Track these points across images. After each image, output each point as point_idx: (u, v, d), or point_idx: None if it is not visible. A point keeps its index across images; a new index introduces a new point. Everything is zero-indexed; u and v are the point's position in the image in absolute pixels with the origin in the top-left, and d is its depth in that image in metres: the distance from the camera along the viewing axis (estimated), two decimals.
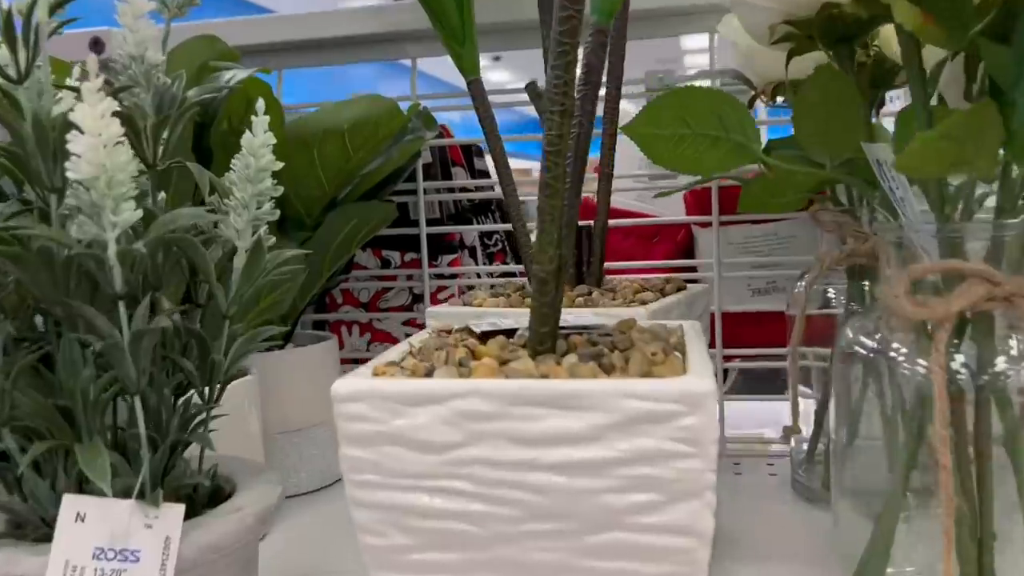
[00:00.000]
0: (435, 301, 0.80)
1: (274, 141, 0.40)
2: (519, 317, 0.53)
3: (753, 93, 0.62)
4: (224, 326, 0.40)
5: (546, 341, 0.38)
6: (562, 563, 0.34)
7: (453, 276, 0.80)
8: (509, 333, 0.43)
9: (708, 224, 0.74)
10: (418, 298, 0.80)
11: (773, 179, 0.45)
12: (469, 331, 0.45)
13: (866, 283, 0.60)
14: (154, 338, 0.34)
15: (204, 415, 0.39)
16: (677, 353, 0.38)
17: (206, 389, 0.40)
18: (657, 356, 0.37)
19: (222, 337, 0.40)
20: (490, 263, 0.90)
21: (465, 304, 0.57)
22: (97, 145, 0.31)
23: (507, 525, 0.34)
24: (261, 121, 0.40)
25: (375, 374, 0.37)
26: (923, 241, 0.40)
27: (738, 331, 0.75)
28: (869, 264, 0.58)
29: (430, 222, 0.79)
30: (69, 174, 0.31)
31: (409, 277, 0.80)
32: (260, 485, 0.41)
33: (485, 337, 0.43)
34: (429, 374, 0.36)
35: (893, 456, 0.40)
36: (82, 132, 0.31)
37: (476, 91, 0.59)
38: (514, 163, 0.76)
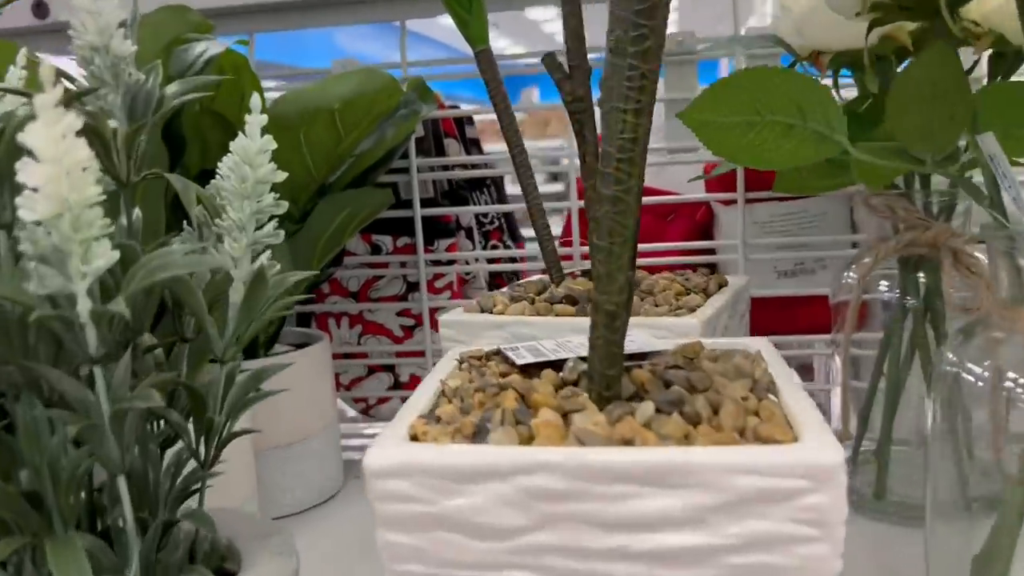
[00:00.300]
0: (432, 289, 0.73)
1: (275, 146, 0.32)
2: (551, 331, 0.47)
3: (794, 60, 0.55)
4: (220, 373, 0.33)
5: (614, 385, 0.32)
6: None
7: (451, 262, 0.73)
8: (556, 364, 0.37)
9: (732, 202, 0.68)
10: (413, 286, 0.73)
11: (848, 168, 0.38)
12: (506, 360, 0.38)
13: (921, 275, 0.54)
14: (141, 411, 0.27)
15: (201, 484, 0.32)
16: (770, 395, 0.32)
17: (201, 448, 0.33)
18: (749, 401, 0.31)
19: (218, 386, 0.33)
20: (486, 243, 0.83)
21: (483, 310, 0.50)
22: (58, 175, 0.23)
23: None
24: (257, 121, 0.32)
25: (412, 435, 0.31)
26: None
27: (761, 317, 0.69)
28: (929, 255, 0.53)
29: (424, 202, 0.72)
30: (22, 213, 0.24)
31: (403, 264, 0.73)
32: (271, 560, 0.34)
33: (526, 369, 0.37)
34: (478, 433, 0.30)
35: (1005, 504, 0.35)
36: (37, 160, 0.23)
37: (485, 62, 0.52)
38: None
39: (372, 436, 0.76)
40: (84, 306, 0.25)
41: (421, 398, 0.34)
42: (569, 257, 0.71)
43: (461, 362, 0.39)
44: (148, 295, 0.28)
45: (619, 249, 0.31)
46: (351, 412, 0.79)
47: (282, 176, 0.32)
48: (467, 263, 0.75)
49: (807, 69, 0.54)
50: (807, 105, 0.37)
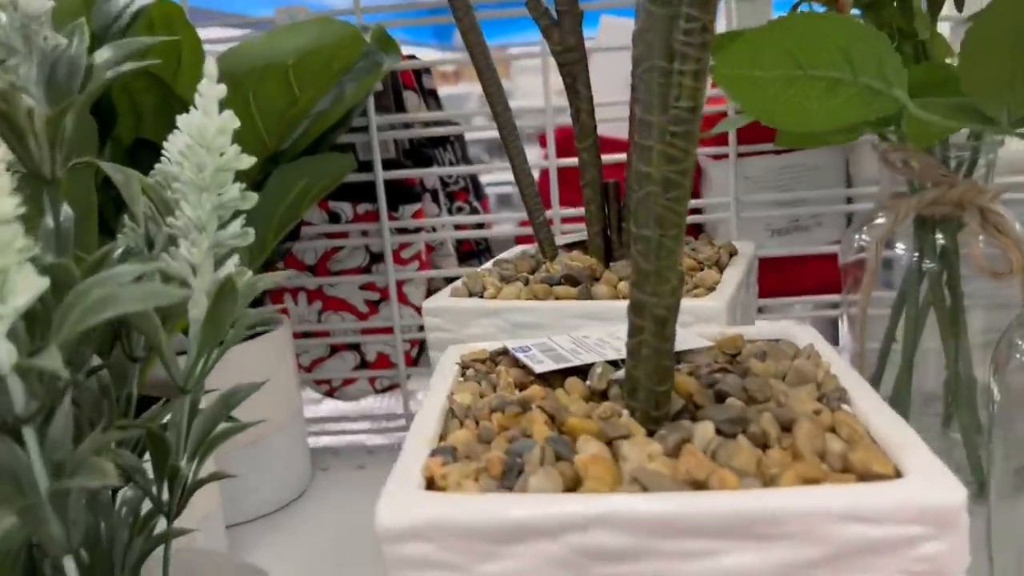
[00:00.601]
0: (398, 260, 0.67)
1: (237, 123, 0.26)
2: (553, 318, 0.41)
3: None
4: (184, 407, 0.27)
5: (663, 403, 0.27)
6: None
7: (417, 229, 0.67)
8: (581, 371, 0.31)
9: (722, 157, 0.63)
10: (376, 257, 0.67)
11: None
12: (516, 362, 0.33)
13: (940, 236, 0.50)
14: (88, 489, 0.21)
15: (166, 545, 0.26)
16: (844, 405, 0.28)
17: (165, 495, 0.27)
18: (822, 415, 0.27)
19: (181, 421, 0.27)
20: (452, 204, 0.77)
21: (471, 293, 0.45)
22: None
23: None
24: (212, 93, 0.26)
25: (429, 480, 0.25)
26: None
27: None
28: (953, 215, 0.48)
29: (385, 164, 0.65)
30: None
31: (364, 233, 0.66)
32: None
33: (544, 376, 0.31)
34: (508, 472, 0.25)
35: None
36: None
37: (461, 8, 0.46)
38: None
39: (338, 420, 0.71)
40: (5, 355, 0.19)
41: (427, 422, 0.29)
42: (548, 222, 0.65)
43: (464, 368, 0.34)
44: (89, 334, 0.22)
45: (671, 243, 0.25)
46: (314, 395, 0.73)
47: (249, 162, 0.26)
48: (434, 230, 0.69)
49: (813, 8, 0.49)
50: (858, 56, 0.32)
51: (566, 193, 0.65)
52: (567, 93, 0.46)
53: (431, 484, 0.25)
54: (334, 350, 0.69)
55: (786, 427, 0.26)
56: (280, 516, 0.55)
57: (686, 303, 0.39)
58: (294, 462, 0.57)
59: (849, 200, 0.64)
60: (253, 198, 0.27)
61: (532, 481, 0.24)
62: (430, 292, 0.72)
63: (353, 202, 0.66)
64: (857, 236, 0.52)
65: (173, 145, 0.26)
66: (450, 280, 0.76)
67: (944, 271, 0.50)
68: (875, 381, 0.54)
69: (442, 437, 0.28)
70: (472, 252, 0.78)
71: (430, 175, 0.68)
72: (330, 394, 0.70)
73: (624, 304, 0.40)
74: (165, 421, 0.27)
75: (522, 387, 0.31)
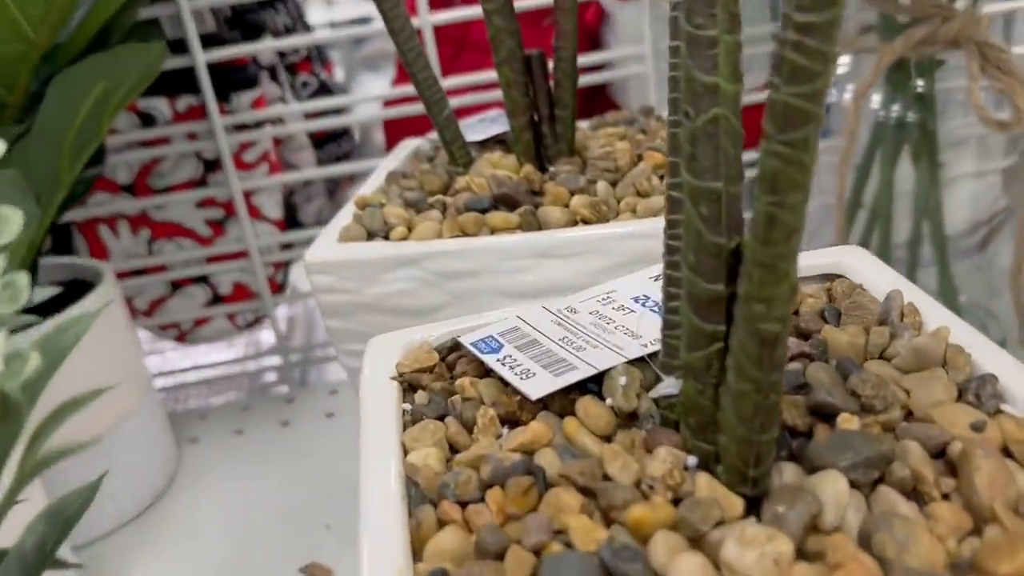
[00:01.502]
0: (241, 165, 0.52)
1: None
2: (495, 261, 0.30)
3: None
4: None
5: (765, 458, 0.17)
6: None
7: (259, 123, 0.53)
8: (590, 385, 0.21)
9: None
10: (212, 165, 0.53)
11: None
12: (489, 373, 0.22)
13: (920, 82, 0.41)
14: None
15: None
16: (1001, 404, 0.19)
17: None
18: (984, 426, 0.18)
19: None
20: (294, 80, 0.62)
21: (371, 233, 0.33)
22: None
23: None
24: None
25: None
26: None
27: None
28: (938, 55, 0.40)
29: (205, 41, 0.49)
30: None
31: (192, 136, 0.51)
32: None
33: (543, 404, 0.21)
34: None
35: None
36: None
37: None
38: None
39: (191, 369, 0.58)
40: None
41: (382, 521, 0.18)
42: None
43: (405, 389, 0.23)
44: None
45: (791, 216, 0.15)
46: (162, 345, 0.59)
47: None
48: (282, 121, 0.55)
49: None
50: None
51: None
52: None
53: None
54: (176, 286, 0.55)
55: (949, 460, 0.17)
56: (146, 520, 0.44)
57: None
58: (152, 450, 0.45)
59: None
60: None
61: None
62: (287, 200, 0.58)
63: (170, 96, 0.50)
64: (832, 91, 0.43)
65: None
66: (308, 185, 0.62)
67: (923, 123, 0.42)
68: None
69: (414, 547, 0.18)
70: (331, 136, 0.64)
71: (265, 50, 0.52)
72: (181, 339, 0.57)
73: (592, 233, 0.30)
74: None
75: (511, 420, 0.21)
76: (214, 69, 0.50)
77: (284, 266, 0.57)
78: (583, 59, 0.53)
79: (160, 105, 0.50)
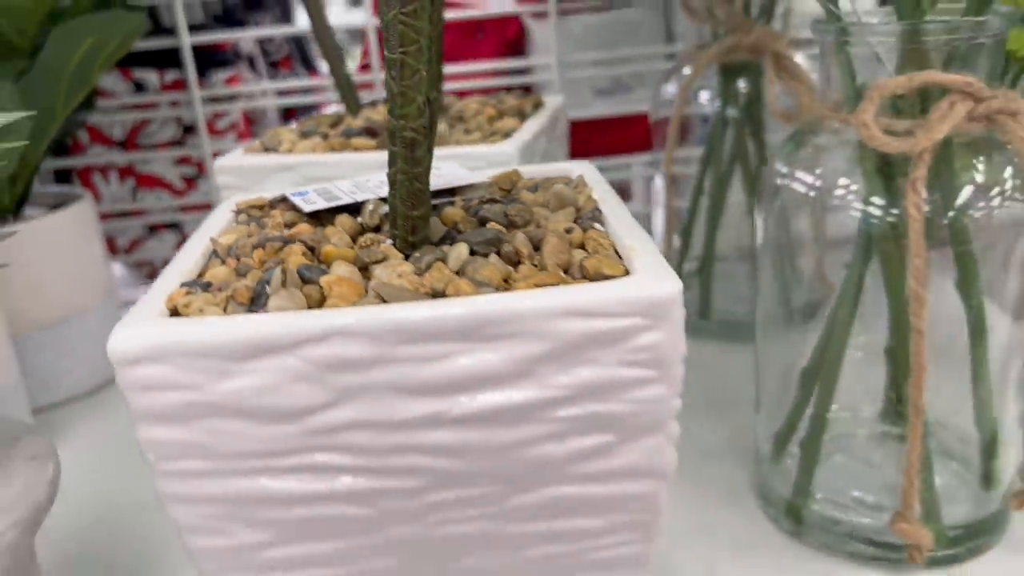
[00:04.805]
0: (213, 131, 0.64)
1: None
2: (349, 170, 0.41)
3: None
4: None
5: (420, 228, 0.27)
6: (481, 533, 0.26)
7: (232, 97, 0.64)
8: (353, 208, 0.31)
9: (543, 15, 0.62)
10: (190, 129, 0.64)
11: None
12: (292, 207, 0.32)
13: (742, 84, 0.52)
14: None
15: None
16: (596, 224, 0.28)
17: None
18: (574, 233, 0.27)
19: None
20: (276, 75, 0.74)
21: (267, 149, 0.43)
22: None
23: (404, 500, 0.24)
24: None
25: (172, 308, 0.25)
26: (881, 46, 0.31)
27: (579, 140, 0.66)
28: (753, 61, 0.50)
29: (193, 28, 0.61)
30: None
31: (174, 103, 0.63)
32: (23, 468, 0.28)
33: (317, 217, 0.31)
34: (256, 300, 0.24)
35: (833, 318, 0.34)
36: None
37: None
38: None
39: None
40: None
41: (185, 261, 0.28)
42: (370, 85, 0.64)
43: (238, 213, 0.33)
44: None
45: (413, 61, 0.25)
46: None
47: None
48: (252, 98, 0.66)
49: None
50: None
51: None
52: None
53: (175, 314, 0.25)
54: (152, 230, 0.66)
55: (539, 246, 0.27)
56: (97, 395, 0.54)
57: (478, 149, 0.40)
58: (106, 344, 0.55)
59: (671, 57, 0.65)
60: None
61: (272, 302, 0.24)
62: None
63: (159, 69, 0.62)
64: (663, 89, 0.53)
65: None
66: None
67: (748, 120, 0.52)
68: (685, 236, 0.56)
69: (201, 275, 0.28)
70: (300, 113, 0.76)
71: (243, 40, 0.64)
72: (152, 276, 0.68)
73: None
74: None
75: (292, 227, 0.31)
76: (197, 51, 0.61)
77: None
78: (507, 64, 0.64)
79: (151, 76, 0.62)
